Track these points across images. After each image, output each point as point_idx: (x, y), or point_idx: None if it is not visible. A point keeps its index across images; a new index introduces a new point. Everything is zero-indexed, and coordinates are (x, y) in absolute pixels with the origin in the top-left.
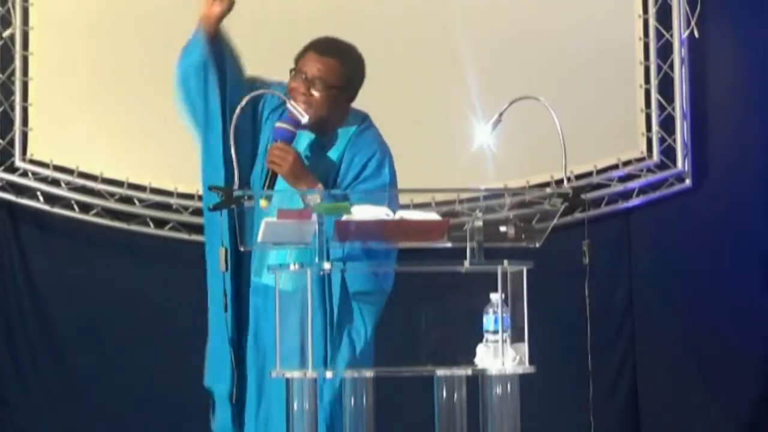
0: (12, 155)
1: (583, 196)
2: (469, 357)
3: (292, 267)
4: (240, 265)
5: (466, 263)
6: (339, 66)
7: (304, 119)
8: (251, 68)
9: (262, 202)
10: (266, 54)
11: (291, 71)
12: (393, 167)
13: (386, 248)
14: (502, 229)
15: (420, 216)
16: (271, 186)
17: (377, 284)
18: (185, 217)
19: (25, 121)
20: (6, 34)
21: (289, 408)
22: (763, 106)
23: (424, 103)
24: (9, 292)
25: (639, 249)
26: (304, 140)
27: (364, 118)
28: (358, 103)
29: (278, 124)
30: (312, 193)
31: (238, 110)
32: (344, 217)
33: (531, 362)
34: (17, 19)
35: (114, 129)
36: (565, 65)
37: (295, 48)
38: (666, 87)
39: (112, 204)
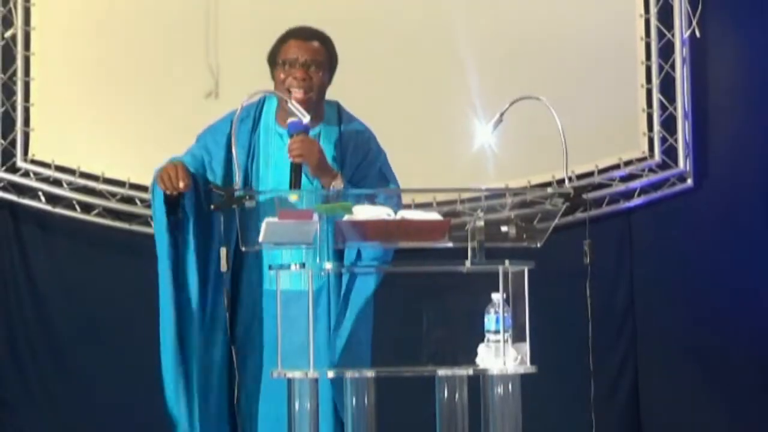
0: (14, 155)
1: (584, 196)
2: (470, 357)
3: (293, 267)
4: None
5: (468, 263)
6: (323, 48)
7: (306, 119)
8: (253, 69)
9: (293, 197)
10: (266, 53)
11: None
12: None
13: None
14: (504, 228)
15: (421, 216)
16: (299, 180)
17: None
18: None
19: (26, 122)
20: (8, 34)
21: (290, 408)
22: (765, 106)
23: (425, 103)
24: (10, 292)
25: (640, 249)
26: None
27: (338, 104)
28: (358, 103)
29: (290, 120)
30: (345, 195)
31: (237, 113)
32: (345, 217)
33: (532, 362)
34: (19, 20)
35: (115, 129)
36: (566, 65)
37: None
38: (667, 87)
39: (113, 204)
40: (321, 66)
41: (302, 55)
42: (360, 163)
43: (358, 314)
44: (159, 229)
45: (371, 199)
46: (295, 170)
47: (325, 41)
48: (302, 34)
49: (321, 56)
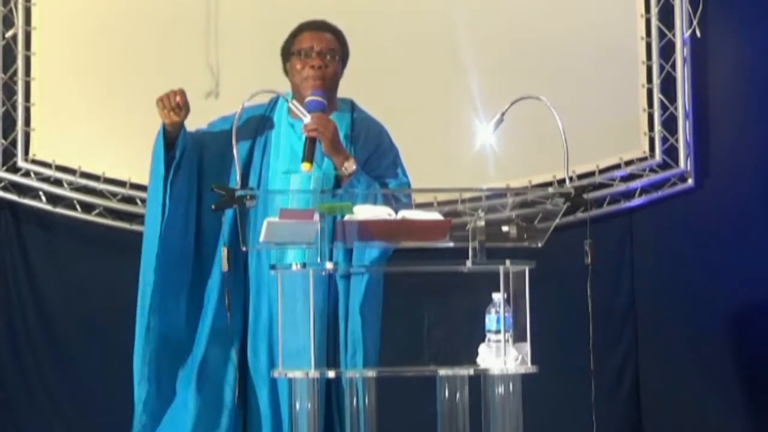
0: (14, 155)
1: (585, 196)
2: (471, 357)
3: (294, 267)
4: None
5: (469, 263)
6: (336, 39)
7: (307, 119)
8: (254, 67)
9: (306, 166)
10: (267, 53)
11: (298, 53)
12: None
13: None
14: (505, 228)
15: (422, 216)
16: (312, 154)
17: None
18: None
19: (27, 121)
20: (9, 34)
21: (292, 407)
22: (765, 106)
23: (426, 103)
24: (11, 291)
25: (641, 248)
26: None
27: (352, 100)
28: (361, 102)
29: (309, 98)
30: (365, 190)
31: (240, 109)
32: (346, 217)
33: (533, 362)
34: (19, 19)
35: (116, 129)
36: (567, 65)
37: None
38: (668, 86)
39: (114, 204)
40: (335, 55)
41: (317, 45)
42: (372, 152)
43: (365, 316)
44: (156, 186)
45: (386, 198)
46: (310, 144)
47: (337, 33)
48: (315, 26)
49: (335, 46)
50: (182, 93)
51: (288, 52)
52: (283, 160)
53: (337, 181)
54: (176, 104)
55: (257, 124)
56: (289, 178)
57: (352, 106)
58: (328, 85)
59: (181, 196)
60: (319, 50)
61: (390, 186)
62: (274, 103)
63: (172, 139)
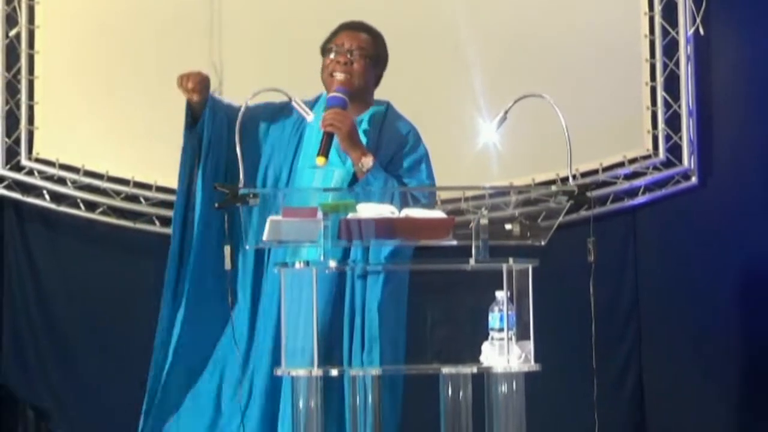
0: (18, 154)
1: (588, 194)
2: (474, 355)
3: (297, 265)
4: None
5: (472, 261)
6: (371, 40)
7: (309, 117)
8: (256, 67)
9: (320, 160)
10: (270, 51)
11: (329, 50)
12: (425, 145)
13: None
14: (508, 227)
15: (425, 214)
16: (328, 148)
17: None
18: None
19: (30, 120)
20: (12, 32)
21: (294, 407)
22: None
23: (429, 101)
24: (15, 290)
25: (645, 247)
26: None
27: (387, 103)
28: None
29: (331, 94)
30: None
31: (243, 108)
32: (349, 215)
33: (536, 360)
34: (23, 18)
35: (120, 127)
36: (570, 63)
37: (302, 47)
38: (672, 84)
39: (118, 202)
40: (365, 54)
41: (348, 43)
42: (396, 152)
43: (383, 314)
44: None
45: (404, 196)
46: (326, 138)
47: (375, 34)
48: (353, 26)
49: (366, 45)
50: (195, 79)
51: (324, 50)
52: (311, 156)
53: (356, 178)
54: (188, 89)
55: (297, 119)
56: (314, 173)
57: (386, 107)
58: (353, 82)
59: (216, 171)
60: (348, 47)
61: (410, 186)
62: (316, 99)
63: (197, 113)
